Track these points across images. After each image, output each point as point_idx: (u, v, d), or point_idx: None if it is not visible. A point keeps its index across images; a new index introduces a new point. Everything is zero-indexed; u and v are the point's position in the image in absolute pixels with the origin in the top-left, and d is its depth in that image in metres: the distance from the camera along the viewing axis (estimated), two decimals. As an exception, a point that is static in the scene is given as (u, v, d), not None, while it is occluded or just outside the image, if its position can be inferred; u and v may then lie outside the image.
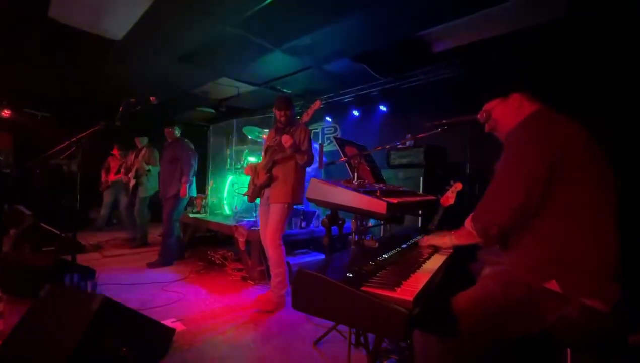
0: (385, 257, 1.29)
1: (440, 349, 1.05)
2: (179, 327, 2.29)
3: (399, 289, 0.96)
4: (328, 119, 5.52)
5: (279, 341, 2.19)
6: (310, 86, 5.30)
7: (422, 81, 4.46)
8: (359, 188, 1.22)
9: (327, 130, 5.61)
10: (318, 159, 4.38)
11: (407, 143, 3.56)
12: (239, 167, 4.57)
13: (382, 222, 3.17)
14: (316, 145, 3.94)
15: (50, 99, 6.21)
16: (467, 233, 1.27)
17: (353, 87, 5.15)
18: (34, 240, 3.80)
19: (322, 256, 3.68)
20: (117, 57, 4.33)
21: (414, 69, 4.44)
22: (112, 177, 5.55)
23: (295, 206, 2.90)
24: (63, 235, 3.79)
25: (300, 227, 3.65)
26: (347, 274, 1.01)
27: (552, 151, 1.04)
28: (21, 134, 6.15)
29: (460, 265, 1.46)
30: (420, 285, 1.00)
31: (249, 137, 4.61)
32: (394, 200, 1.19)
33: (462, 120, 1.55)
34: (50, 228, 3.81)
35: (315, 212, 3.79)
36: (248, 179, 4.48)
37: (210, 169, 5.26)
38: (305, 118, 2.49)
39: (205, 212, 4.83)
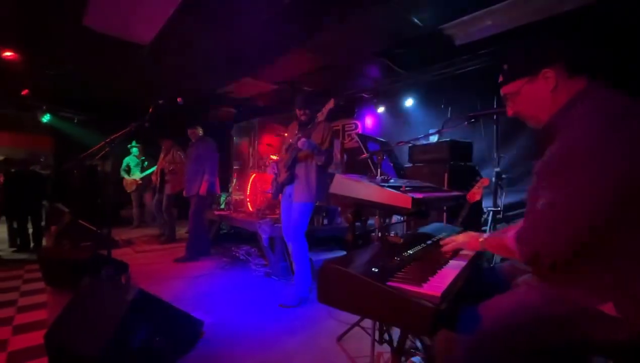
0: (410, 253, 1.27)
1: (464, 350, 1.02)
2: (206, 319, 2.37)
3: (425, 284, 0.95)
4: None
5: (303, 336, 2.22)
6: (332, 82, 5.29)
7: (446, 75, 4.35)
8: (383, 183, 1.21)
9: (347, 126, 5.59)
10: (339, 156, 4.37)
11: (431, 138, 3.49)
12: (261, 164, 4.65)
13: (404, 219, 3.13)
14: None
15: (85, 103, 6.56)
16: (503, 247, 1.05)
17: (375, 82, 5.10)
18: (72, 236, 4.05)
19: (344, 253, 3.69)
20: (145, 61, 4.51)
21: (437, 62, 4.33)
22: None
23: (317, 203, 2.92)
24: (99, 231, 4.02)
25: (322, 224, 3.67)
26: (372, 269, 1.01)
27: (630, 157, 0.80)
28: (59, 137, 6.56)
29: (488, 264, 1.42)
30: (448, 282, 0.98)
31: (271, 135, 4.69)
32: (419, 195, 1.18)
33: (489, 113, 1.50)
34: (87, 224, 4.05)
35: (337, 208, 3.80)
36: (271, 176, 4.59)
37: (234, 166, 5.38)
38: (320, 117, 2.50)
39: (229, 209, 4.96)
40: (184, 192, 4.29)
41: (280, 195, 2.89)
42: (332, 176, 3.65)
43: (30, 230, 5.39)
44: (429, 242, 1.58)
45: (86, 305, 1.74)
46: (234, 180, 5.25)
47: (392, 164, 2.03)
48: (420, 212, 1.11)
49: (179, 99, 2.70)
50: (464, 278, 1.12)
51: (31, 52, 4.05)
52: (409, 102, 4.92)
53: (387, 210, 1.49)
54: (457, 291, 0.97)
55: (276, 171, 2.91)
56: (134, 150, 6.14)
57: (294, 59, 4.35)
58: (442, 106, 4.42)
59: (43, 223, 5.48)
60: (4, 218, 5.28)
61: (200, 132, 4.29)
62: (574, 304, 0.95)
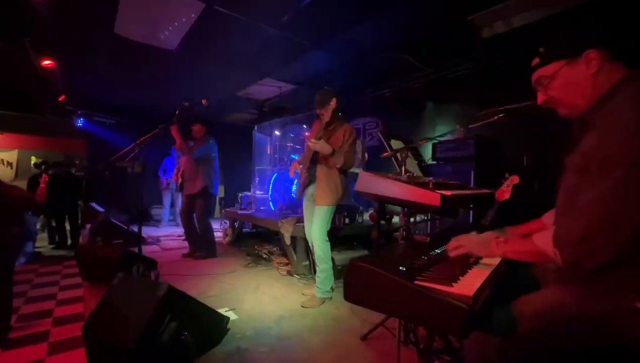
0: (437, 252, 1.24)
1: (496, 352, 0.98)
2: (231, 315, 2.42)
3: (455, 284, 0.92)
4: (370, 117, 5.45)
5: (326, 334, 2.22)
6: (352, 81, 5.26)
7: (471, 69, 4.20)
8: (409, 181, 1.18)
9: (368, 125, 5.54)
10: (360, 156, 4.34)
11: (456, 135, 3.39)
12: (282, 164, 4.70)
13: (427, 217, 3.06)
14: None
15: (115, 107, 6.89)
16: (534, 253, 0.95)
17: (396, 79, 5.01)
18: (105, 234, 4.26)
19: (367, 252, 3.66)
20: (171, 65, 4.67)
21: (461, 56, 4.19)
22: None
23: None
24: (129, 229, 4.19)
25: (344, 223, 3.65)
26: (399, 267, 0.99)
27: None
28: (92, 140, 6.91)
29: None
30: (480, 281, 0.95)
31: (292, 135, 4.72)
32: (448, 193, 1.14)
33: (520, 107, 1.43)
34: (118, 223, 4.24)
35: (359, 207, 3.77)
36: (292, 176, 4.63)
37: (255, 166, 5.47)
38: (326, 117, 2.50)
39: (251, 208, 5.04)
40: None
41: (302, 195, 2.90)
42: (355, 176, 3.62)
43: (68, 228, 5.73)
44: (456, 241, 1.53)
45: (120, 300, 1.82)
46: (256, 180, 5.33)
47: (416, 162, 1.98)
48: (448, 210, 1.08)
49: (203, 101, 2.78)
50: (496, 278, 1.07)
51: (67, 60, 4.29)
52: (431, 99, 4.80)
53: (413, 208, 1.46)
54: (490, 291, 0.93)
55: (299, 171, 2.92)
56: (173, 152, 6.36)
57: (312, 58, 4.35)
58: (467, 102, 4.28)
59: (79, 221, 5.80)
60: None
61: (205, 130, 4.26)
62: (612, 302, 0.89)
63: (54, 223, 5.72)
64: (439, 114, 4.76)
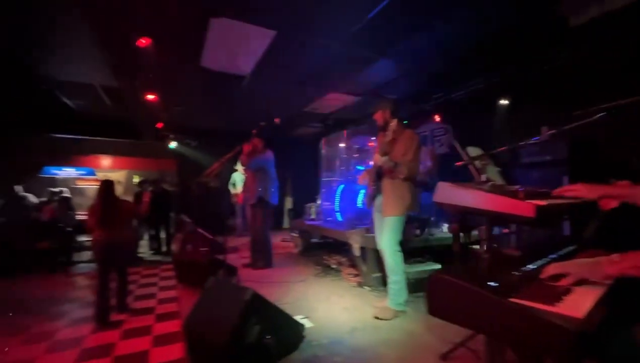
0: (532, 268, 1.13)
1: None
2: (306, 323, 2.50)
3: (559, 304, 0.83)
4: (437, 120, 5.22)
5: (402, 350, 2.16)
6: (417, 87, 5.13)
7: (557, 63, 3.75)
8: (495, 190, 1.11)
9: (436, 132, 5.30)
10: (430, 164, 4.17)
11: (542, 137, 3.04)
12: (348, 175, 4.75)
13: (508, 229, 2.78)
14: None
15: (198, 130, 7.79)
16: None
17: (467, 82, 4.72)
18: (194, 243, 4.79)
19: (439, 265, 3.46)
20: (246, 89, 5.13)
21: (545, 50, 3.77)
22: (240, 191, 6.66)
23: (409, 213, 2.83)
24: (214, 239, 4.66)
25: (414, 235, 3.52)
26: (489, 283, 0.93)
27: None
28: (181, 159, 7.91)
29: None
30: (590, 302, 0.84)
31: (357, 146, 4.76)
32: (543, 203, 1.04)
33: (629, 103, 1.24)
34: (204, 233, 4.73)
35: (431, 218, 3.61)
36: (358, 186, 4.64)
37: (322, 178, 5.63)
38: (381, 124, 2.46)
39: (319, 219, 5.18)
40: (242, 200, 4.54)
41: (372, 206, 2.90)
42: (427, 185, 3.49)
43: (162, 237, 6.60)
44: (553, 255, 1.38)
45: (212, 302, 2.04)
46: (323, 191, 5.48)
47: (498, 169, 1.84)
48: (545, 222, 0.99)
49: (276, 120, 3.00)
50: (610, 298, 0.94)
51: (164, 93, 5.03)
52: (509, 100, 4.39)
53: (501, 220, 1.36)
54: (604, 314, 0.82)
55: (366, 182, 2.94)
56: (239, 167, 6.99)
57: (376, 68, 4.37)
58: (553, 101, 3.81)
59: (172, 231, 6.64)
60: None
61: (263, 143, 4.42)
62: None
63: (152, 232, 6.65)
64: (519, 115, 4.32)
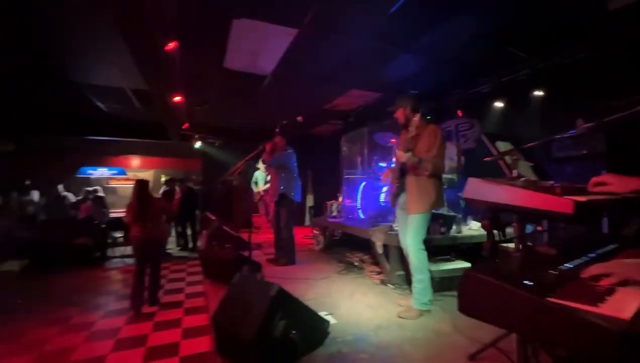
0: (570, 267, 1.08)
1: None
2: (330, 320, 2.51)
3: (602, 304, 0.79)
4: (462, 115, 5.06)
5: (428, 348, 2.12)
6: (440, 81, 5.00)
7: (592, 51, 3.52)
8: (529, 186, 1.07)
9: (461, 127, 5.14)
10: (457, 160, 4.06)
11: (578, 131, 2.88)
12: (370, 172, 4.71)
13: (543, 226, 2.66)
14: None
15: (222, 130, 7.97)
16: None
17: (493, 74, 4.53)
18: (219, 239, 4.92)
19: (466, 264, 3.37)
20: (267, 88, 5.19)
21: (579, 36, 3.55)
22: (262, 189, 6.79)
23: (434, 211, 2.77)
24: (238, 235, 4.77)
25: (440, 233, 3.45)
26: (524, 282, 0.90)
27: None
28: (206, 158, 8.14)
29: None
30: (636, 303, 0.79)
31: (378, 142, 4.71)
32: (582, 198, 0.99)
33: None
34: (229, 230, 4.85)
35: (456, 216, 3.52)
36: (380, 183, 4.59)
37: (344, 175, 5.62)
38: (402, 121, 2.42)
39: (340, 216, 5.18)
40: (269, 199, 4.59)
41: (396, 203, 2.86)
42: (453, 182, 3.40)
43: (189, 233, 6.84)
44: (591, 254, 1.31)
45: (238, 297, 2.09)
46: (344, 189, 5.47)
47: (530, 164, 1.77)
48: (584, 219, 0.94)
49: (299, 118, 3.02)
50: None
51: (189, 95, 5.19)
52: (538, 92, 4.18)
53: (534, 217, 1.31)
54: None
55: (389, 179, 2.90)
56: (261, 165, 7.11)
57: (397, 63, 4.30)
58: (588, 92, 3.59)
59: (198, 228, 6.86)
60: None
61: (285, 141, 4.44)
62: None
63: (179, 229, 6.90)
64: (550, 107, 4.10)
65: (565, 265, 1.12)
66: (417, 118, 2.54)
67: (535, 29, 3.56)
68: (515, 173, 1.44)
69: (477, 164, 4.38)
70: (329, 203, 5.99)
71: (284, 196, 4.24)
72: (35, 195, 7.02)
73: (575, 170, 2.90)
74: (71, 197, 7.16)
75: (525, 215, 1.18)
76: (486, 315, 0.93)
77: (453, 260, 3.42)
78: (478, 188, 1.15)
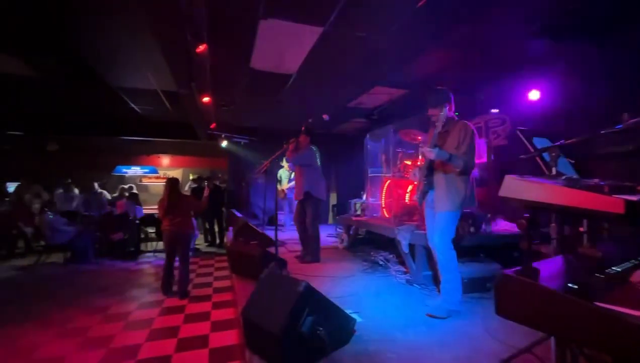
0: (617, 270, 1.02)
1: None
2: (357, 318, 2.51)
3: (657, 311, 0.74)
4: (494, 110, 4.85)
5: (458, 351, 2.07)
6: (468, 75, 4.83)
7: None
8: (573, 184, 1.01)
9: (492, 123, 4.93)
10: (485, 157, 3.92)
11: (626, 126, 2.68)
12: (395, 170, 4.64)
13: (584, 227, 2.51)
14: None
15: (247, 128, 8.13)
16: None
17: (527, 64, 4.28)
18: (245, 236, 5.05)
19: (496, 264, 3.24)
20: (292, 87, 5.24)
21: (628, 21, 3.27)
22: (285, 187, 6.87)
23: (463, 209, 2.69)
24: (263, 232, 4.87)
25: (468, 232, 3.34)
26: (568, 284, 0.86)
27: None
28: (232, 157, 8.35)
29: None
30: (697, 311, 0.74)
31: (404, 140, 4.63)
32: (634, 198, 0.93)
33: None
34: (254, 227, 4.96)
35: (486, 215, 3.39)
36: (405, 181, 4.52)
37: (368, 173, 5.57)
38: (437, 118, 2.35)
39: (364, 214, 5.14)
40: (294, 197, 4.60)
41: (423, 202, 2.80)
42: (482, 181, 3.28)
43: (216, 230, 7.06)
44: (642, 258, 1.22)
45: (267, 292, 2.13)
46: (368, 186, 5.43)
47: (571, 161, 1.68)
48: (636, 219, 0.88)
49: (325, 116, 3.02)
50: None
51: (217, 95, 5.34)
52: (579, 83, 3.91)
53: (580, 216, 1.24)
54: None
55: (417, 177, 2.85)
56: (285, 163, 7.20)
57: (425, 60, 4.20)
58: (630, 83, 3.32)
59: (224, 224, 7.07)
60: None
61: (309, 140, 4.44)
62: None
63: (207, 226, 7.13)
64: (590, 99, 3.84)
65: (612, 268, 1.06)
66: (446, 114, 2.48)
67: (587, 16, 3.31)
68: (554, 170, 1.36)
69: (508, 162, 4.21)
70: (352, 201, 5.97)
71: (309, 194, 4.27)
72: (75, 191, 7.51)
73: (617, 166, 2.71)
74: (106, 194, 7.59)
75: (567, 214, 1.13)
76: (526, 318, 0.89)
77: (482, 261, 3.31)
78: (516, 186, 1.10)
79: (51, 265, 5.43)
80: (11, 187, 8.10)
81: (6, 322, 3.13)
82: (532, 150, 1.58)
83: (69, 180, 7.39)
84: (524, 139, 1.68)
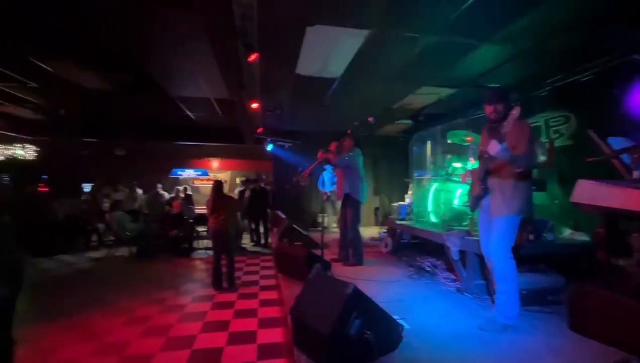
0: None
1: None
2: (404, 325, 2.44)
3: None
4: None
5: (517, 368, 1.92)
6: (524, 73, 4.49)
7: None
8: (664, 189, 0.90)
9: (553, 122, 4.51)
10: (545, 159, 3.62)
11: None
12: (442, 173, 4.46)
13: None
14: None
15: (291, 132, 8.33)
16: None
17: (596, 58, 3.85)
18: (289, 237, 5.18)
19: (559, 277, 2.95)
20: (336, 90, 5.27)
21: None
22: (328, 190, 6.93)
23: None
24: (307, 234, 4.96)
25: (527, 240, 3.08)
26: (660, 302, 0.76)
27: None
28: (277, 160, 8.62)
29: None
30: None
31: (453, 141, 4.43)
32: None
33: None
34: (299, 228, 5.08)
35: (548, 222, 3.10)
36: (454, 185, 4.32)
37: (414, 176, 5.42)
38: (506, 128, 2.12)
39: (410, 219, 4.99)
40: (337, 199, 4.58)
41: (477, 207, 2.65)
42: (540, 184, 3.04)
43: (261, 230, 7.32)
44: None
45: (315, 292, 2.17)
46: (414, 190, 5.27)
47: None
48: None
49: (370, 118, 3.00)
50: None
51: (265, 101, 5.56)
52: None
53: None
54: None
55: (470, 180, 2.70)
56: (328, 166, 7.25)
57: (476, 56, 3.97)
58: None
59: (269, 225, 7.31)
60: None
61: (353, 143, 4.44)
62: None
63: (253, 226, 7.43)
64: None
65: None
66: (505, 112, 2.32)
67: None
68: (636, 174, 1.22)
69: (574, 164, 3.82)
70: (396, 204, 5.82)
71: (349, 196, 4.28)
72: (139, 192, 8.28)
73: None
74: (165, 195, 8.27)
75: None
76: (606, 335, 0.81)
77: (543, 272, 3.03)
78: (591, 192, 1.00)
79: (120, 258, 6.05)
80: (86, 187, 9.20)
81: (79, 308, 3.53)
82: (608, 151, 1.43)
83: (135, 182, 8.18)
84: (597, 139, 1.52)
